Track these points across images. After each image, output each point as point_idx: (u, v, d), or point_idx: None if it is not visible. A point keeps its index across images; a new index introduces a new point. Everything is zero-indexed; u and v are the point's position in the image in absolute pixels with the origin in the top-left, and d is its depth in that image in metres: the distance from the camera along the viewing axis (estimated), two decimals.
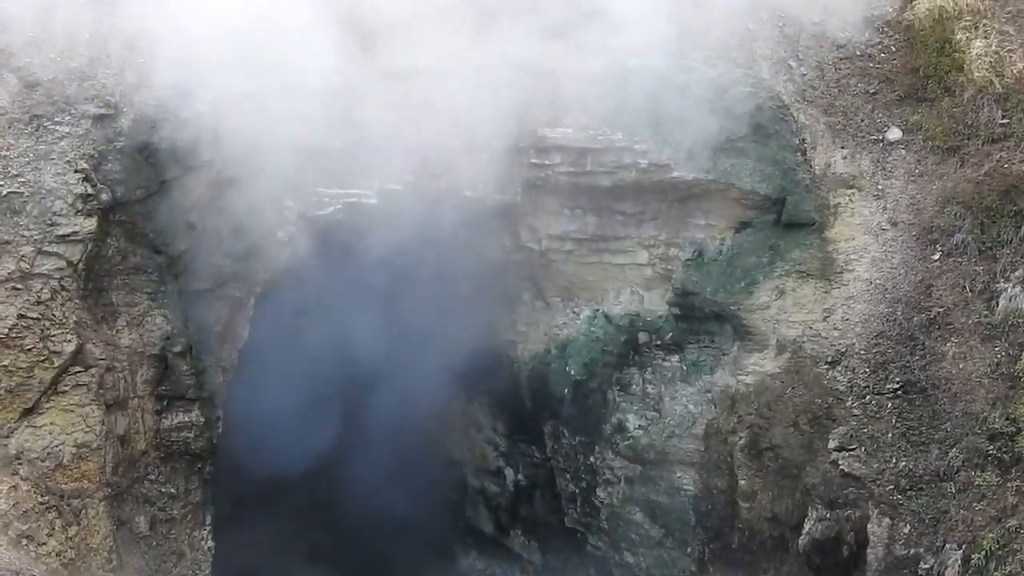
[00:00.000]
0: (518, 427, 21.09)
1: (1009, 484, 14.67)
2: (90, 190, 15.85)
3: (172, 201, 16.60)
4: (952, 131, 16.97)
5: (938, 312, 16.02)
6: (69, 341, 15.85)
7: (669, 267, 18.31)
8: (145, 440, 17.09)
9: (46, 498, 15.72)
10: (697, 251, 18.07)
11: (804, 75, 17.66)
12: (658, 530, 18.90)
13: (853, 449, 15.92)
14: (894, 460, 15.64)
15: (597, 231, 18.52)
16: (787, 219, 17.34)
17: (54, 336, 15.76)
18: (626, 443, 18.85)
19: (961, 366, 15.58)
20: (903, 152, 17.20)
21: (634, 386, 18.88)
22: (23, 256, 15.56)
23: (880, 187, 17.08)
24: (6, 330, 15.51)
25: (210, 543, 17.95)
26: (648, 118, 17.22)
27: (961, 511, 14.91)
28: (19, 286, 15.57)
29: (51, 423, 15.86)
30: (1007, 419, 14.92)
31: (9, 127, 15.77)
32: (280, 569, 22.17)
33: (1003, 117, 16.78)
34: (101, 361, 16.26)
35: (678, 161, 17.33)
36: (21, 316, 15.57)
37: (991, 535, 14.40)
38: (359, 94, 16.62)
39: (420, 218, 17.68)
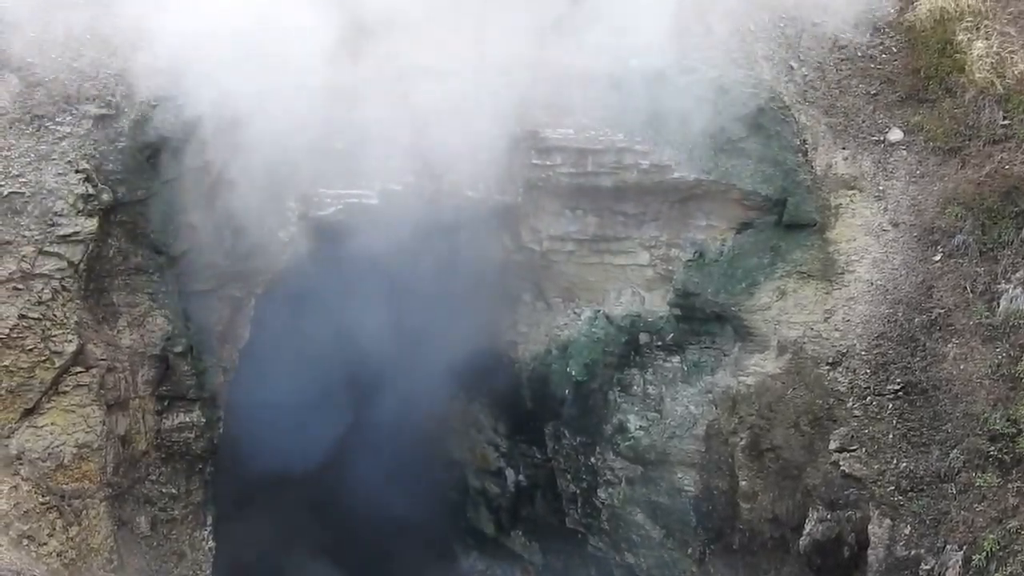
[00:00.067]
0: (519, 428, 21.09)
1: (1010, 485, 14.66)
2: (91, 190, 15.85)
3: (173, 201, 16.62)
4: (953, 132, 16.97)
5: (939, 313, 16.02)
6: (70, 341, 15.86)
7: (670, 268, 18.31)
8: (146, 440, 17.11)
9: (47, 498, 15.72)
10: (698, 252, 18.06)
11: (805, 76, 17.67)
12: (659, 531, 18.89)
13: (854, 450, 15.92)
14: (895, 461, 15.64)
15: (598, 232, 18.51)
16: (788, 220, 17.34)
17: (55, 336, 15.77)
18: (627, 444, 18.84)
19: (962, 367, 15.58)
20: (904, 153, 17.20)
21: (635, 387, 18.88)
22: (24, 256, 15.56)
23: (881, 188, 17.08)
24: (7, 330, 15.51)
25: (211, 543, 17.97)
26: (649, 119, 17.22)
27: (962, 512, 14.91)
28: (20, 286, 15.57)
29: (52, 423, 15.87)
30: (1008, 420, 14.90)
31: (10, 127, 15.77)
32: (280, 569, 22.16)
33: (1004, 118, 16.78)
34: (102, 361, 16.26)
35: (679, 162, 17.33)
36: (22, 316, 15.58)
37: (992, 536, 14.39)
38: (360, 94, 16.62)
39: (421, 219, 17.68)
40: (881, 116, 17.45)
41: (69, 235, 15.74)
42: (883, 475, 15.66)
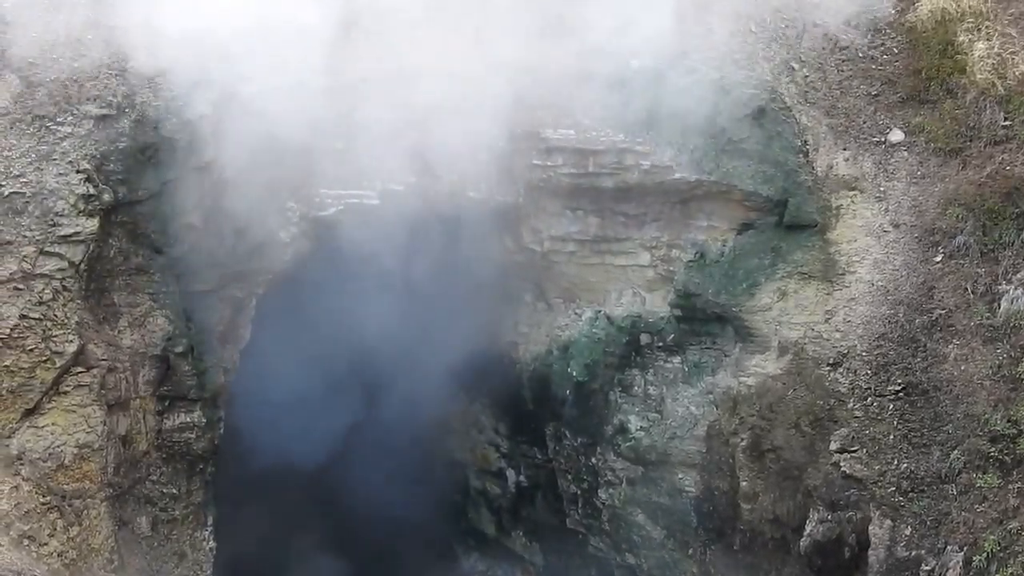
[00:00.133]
0: (520, 428, 21.09)
1: (1011, 486, 14.65)
2: (92, 190, 15.86)
3: (174, 202, 16.63)
4: (954, 133, 16.97)
5: (940, 314, 16.01)
6: (71, 341, 15.87)
7: (671, 268, 18.30)
8: (147, 441, 17.12)
9: (48, 498, 15.73)
10: (699, 252, 18.06)
11: (806, 77, 17.67)
12: (660, 531, 18.89)
13: (855, 451, 15.91)
14: (896, 462, 15.64)
15: (599, 232, 18.51)
16: (789, 221, 17.34)
17: (56, 336, 15.78)
18: (628, 444, 18.84)
19: (963, 368, 15.58)
20: (905, 154, 17.20)
21: (636, 387, 18.88)
22: (25, 256, 15.58)
23: (882, 189, 17.08)
24: (8, 330, 15.53)
25: (211, 544, 17.99)
26: (650, 119, 17.23)
27: (962, 513, 14.90)
28: (21, 286, 15.58)
29: (53, 423, 15.88)
30: (1008, 421, 14.90)
31: (11, 127, 15.79)
32: (281, 569, 22.17)
33: (1005, 119, 16.79)
34: (103, 362, 16.27)
35: (680, 162, 17.33)
36: (23, 316, 15.59)
37: (992, 537, 14.38)
38: (360, 94, 16.63)
39: (422, 219, 17.69)
40: (882, 117, 17.45)
41: (70, 235, 15.76)
42: (884, 476, 15.66)
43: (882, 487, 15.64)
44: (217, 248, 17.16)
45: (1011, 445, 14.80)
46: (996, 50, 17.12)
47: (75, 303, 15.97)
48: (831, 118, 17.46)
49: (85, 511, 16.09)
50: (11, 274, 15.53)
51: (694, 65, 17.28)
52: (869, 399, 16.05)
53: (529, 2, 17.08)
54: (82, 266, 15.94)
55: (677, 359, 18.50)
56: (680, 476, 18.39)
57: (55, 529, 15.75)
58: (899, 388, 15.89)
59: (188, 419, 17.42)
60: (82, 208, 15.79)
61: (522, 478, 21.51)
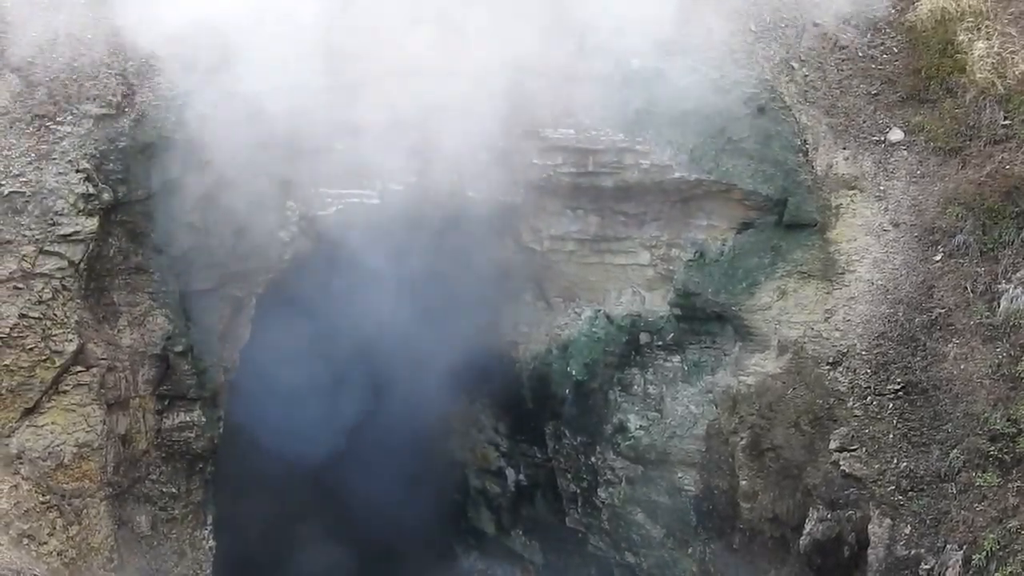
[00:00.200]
0: (519, 427, 21.10)
1: (1010, 485, 14.66)
2: (92, 190, 15.87)
3: (174, 201, 16.63)
4: (954, 132, 16.97)
5: (939, 313, 16.02)
6: (70, 341, 15.87)
7: (671, 268, 18.30)
8: (146, 440, 17.13)
9: (47, 497, 15.74)
10: (699, 252, 18.06)
11: (806, 76, 17.67)
12: (659, 530, 18.90)
13: (854, 450, 15.92)
14: (895, 461, 15.64)
15: (599, 231, 18.52)
16: (789, 220, 17.34)
17: (55, 336, 15.79)
18: (627, 443, 18.85)
19: (962, 367, 15.58)
20: (905, 153, 17.20)
21: (635, 386, 18.88)
22: (25, 256, 15.58)
23: (882, 188, 17.08)
24: (7, 329, 15.53)
25: (211, 542, 17.99)
26: (650, 119, 17.23)
27: (962, 512, 14.91)
28: (21, 285, 15.59)
29: (52, 423, 15.88)
30: (1008, 420, 14.91)
31: (11, 126, 15.80)
32: (280, 568, 22.16)
33: (1005, 119, 16.79)
34: (102, 361, 16.28)
35: (680, 162, 17.33)
36: (22, 316, 15.60)
37: (992, 536, 14.39)
38: (361, 94, 16.63)
39: (422, 218, 17.69)
40: (882, 116, 17.45)
41: (70, 234, 15.76)
42: (883, 475, 15.66)
43: (882, 486, 15.64)
44: (217, 248, 17.16)
45: (1010, 444, 14.80)
46: (996, 49, 17.12)
47: (75, 302, 15.98)
48: (831, 117, 17.47)
49: (85, 510, 16.09)
50: (11, 273, 15.53)
51: (694, 64, 17.28)
52: (869, 398, 16.06)
53: (530, 1, 17.09)
54: (82, 265, 15.95)
55: (677, 358, 18.51)
56: (680, 475, 18.40)
57: (55, 528, 15.75)
58: (899, 387, 15.89)
59: (188, 418, 17.43)
60: (82, 207, 15.80)
61: (522, 477, 21.52)
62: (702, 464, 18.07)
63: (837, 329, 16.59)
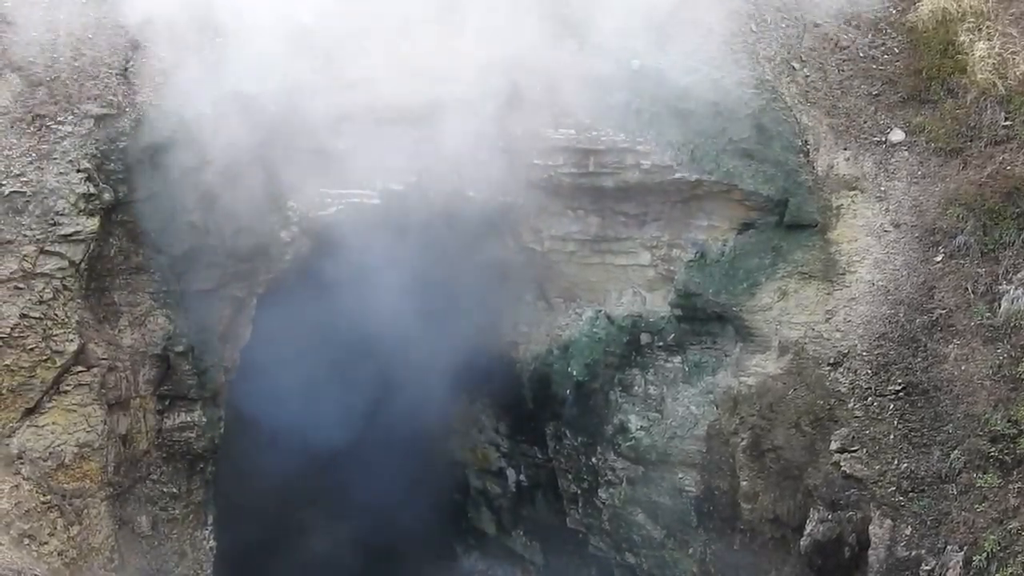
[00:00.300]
0: (520, 428, 21.10)
1: (1011, 486, 14.66)
2: (92, 190, 15.87)
3: (174, 201, 16.63)
4: (955, 133, 16.96)
5: (940, 314, 16.01)
6: (71, 341, 15.88)
7: (671, 268, 18.30)
8: (147, 440, 17.14)
9: (48, 498, 15.74)
10: (699, 252, 18.05)
11: (807, 76, 17.66)
12: (660, 531, 18.89)
13: (855, 450, 15.91)
14: (896, 462, 15.64)
15: (600, 232, 18.51)
16: (789, 220, 17.33)
17: (56, 336, 15.79)
18: (628, 444, 18.84)
19: (963, 368, 15.58)
20: (906, 154, 17.20)
21: (636, 387, 18.88)
22: (25, 256, 15.58)
23: (883, 189, 17.07)
24: (8, 329, 15.54)
25: (212, 543, 17.99)
26: (651, 119, 17.22)
27: (963, 513, 14.91)
28: (21, 285, 15.59)
29: (53, 423, 15.89)
30: (1009, 421, 14.91)
31: (12, 126, 15.80)
32: (280, 567, 22.16)
33: (1006, 119, 16.78)
34: (103, 361, 16.29)
35: (681, 162, 17.31)
36: (23, 316, 15.60)
37: (993, 537, 14.39)
38: (361, 93, 16.62)
39: (422, 219, 17.68)
40: (883, 117, 17.44)
41: (70, 234, 15.77)
42: (884, 476, 15.66)
43: (882, 487, 15.64)
44: (218, 248, 17.17)
45: (1011, 445, 14.80)
46: (997, 50, 17.12)
47: (75, 302, 15.98)
48: (832, 118, 17.46)
49: (85, 510, 16.10)
50: (11, 273, 15.54)
51: (695, 65, 17.28)
52: (869, 399, 16.05)
53: (530, 1, 17.08)
54: (82, 265, 15.95)
55: (677, 359, 18.50)
56: (680, 476, 18.39)
57: (55, 528, 15.75)
58: (899, 388, 15.89)
59: (188, 418, 17.44)
60: (82, 207, 15.80)
61: (522, 477, 21.51)
62: (703, 465, 18.06)
63: (838, 330, 16.59)
